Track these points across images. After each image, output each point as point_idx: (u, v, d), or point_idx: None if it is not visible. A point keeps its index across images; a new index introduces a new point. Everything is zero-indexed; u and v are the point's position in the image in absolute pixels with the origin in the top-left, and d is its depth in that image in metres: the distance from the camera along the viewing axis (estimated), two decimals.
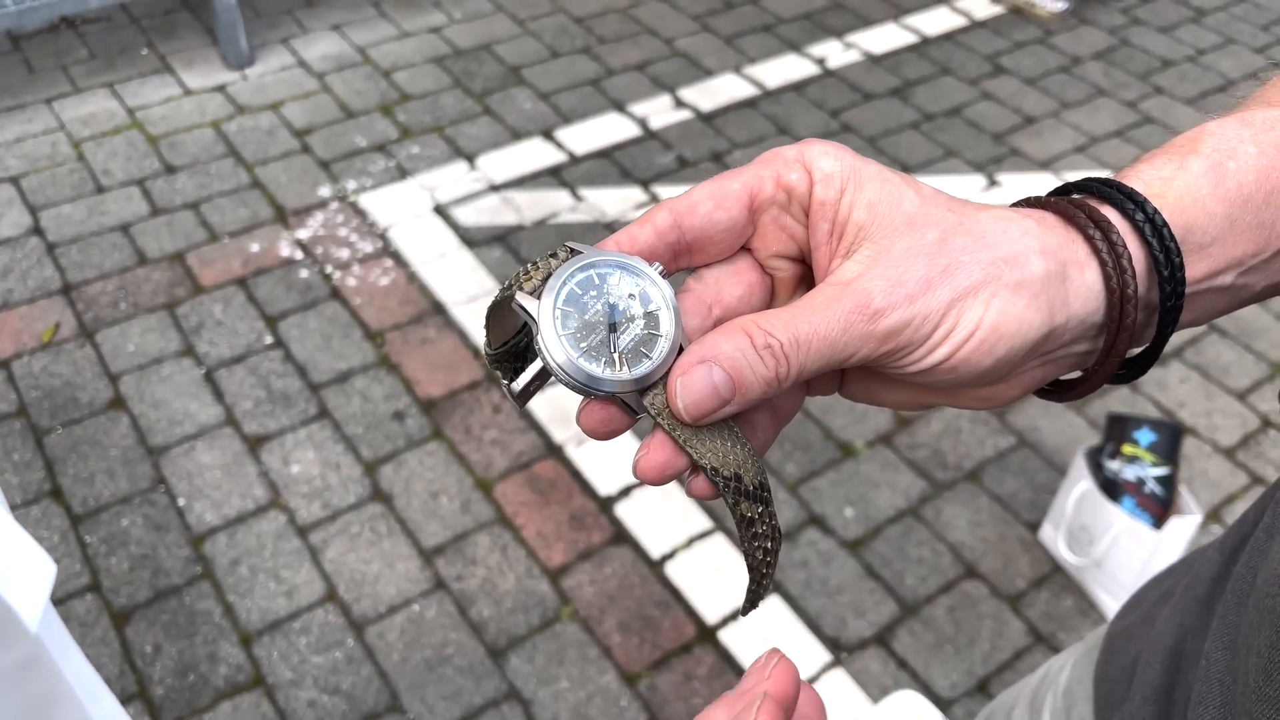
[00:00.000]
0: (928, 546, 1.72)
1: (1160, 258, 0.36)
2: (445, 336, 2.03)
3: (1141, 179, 0.38)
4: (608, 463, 1.81)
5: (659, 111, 2.63)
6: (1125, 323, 0.36)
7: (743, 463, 0.37)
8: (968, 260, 0.35)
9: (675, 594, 1.64)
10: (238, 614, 1.59)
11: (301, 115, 2.57)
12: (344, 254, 2.20)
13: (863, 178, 0.37)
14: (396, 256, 2.20)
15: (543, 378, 0.40)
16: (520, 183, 2.39)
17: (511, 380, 0.40)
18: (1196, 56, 2.93)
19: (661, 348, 0.36)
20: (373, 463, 1.81)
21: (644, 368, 0.36)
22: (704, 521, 1.73)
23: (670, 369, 0.36)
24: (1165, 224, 0.36)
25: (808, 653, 1.58)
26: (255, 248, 2.20)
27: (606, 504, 1.76)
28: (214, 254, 2.18)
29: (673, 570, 1.67)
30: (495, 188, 2.38)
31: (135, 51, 2.76)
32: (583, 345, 0.36)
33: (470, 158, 2.46)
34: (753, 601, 0.40)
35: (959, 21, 3.04)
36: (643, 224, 0.38)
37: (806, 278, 0.40)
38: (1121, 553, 1.57)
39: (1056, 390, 0.40)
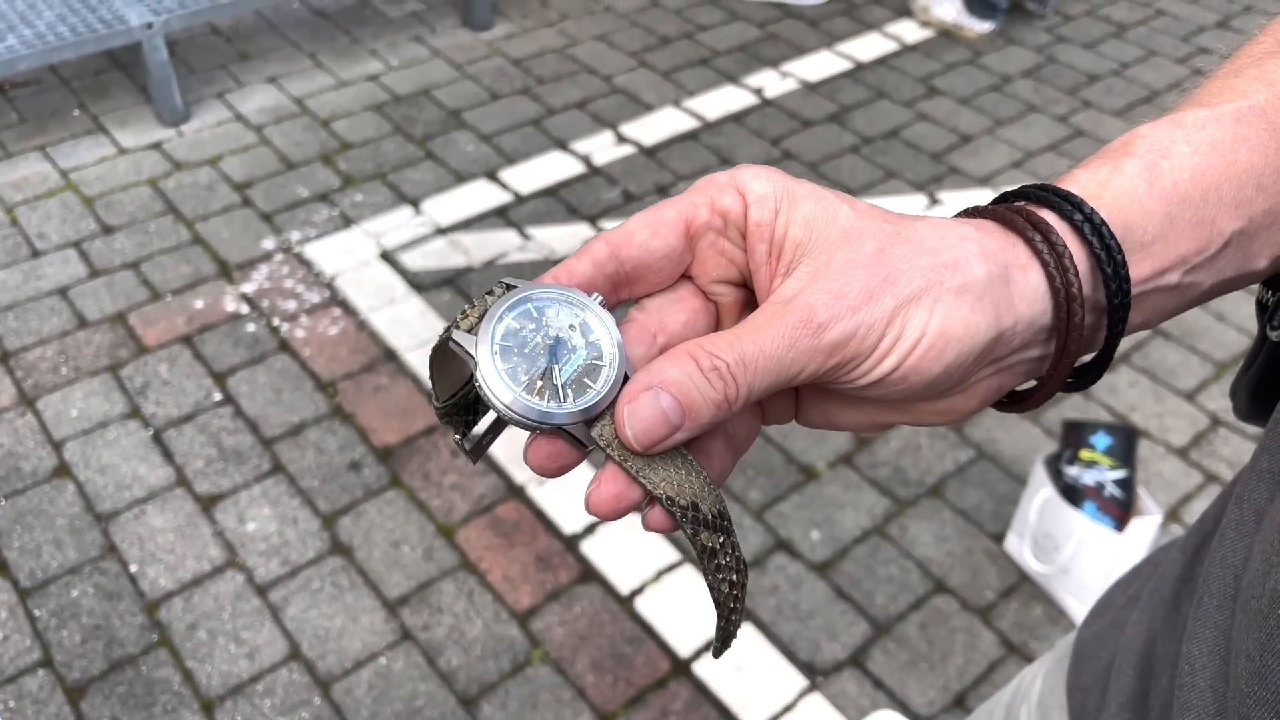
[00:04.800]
0: (895, 564, 1.72)
1: (1102, 256, 0.36)
2: (398, 383, 2.00)
3: (1077, 183, 0.38)
4: (571, 501, 1.79)
5: (601, 148, 2.64)
6: (1074, 322, 0.36)
7: (699, 491, 0.36)
8: (907, 268, 0.34)
9: (647, 629, 1.62)
10: (198, 680, 1.55)
11: (241, 169, 2.54)
12: (291, 305, 2.17)
13: (796, 196, 0.36)
14: (345, 305, 2.17)
15: (495, 431, 0.39)
16: (466, 225, 2.38)
17: (464, 435, 0.39)
18: (1121, 70, 3.01)
19: (606, 377, 0.35)
20: (331, 515, 1.77)
21: (589, 398, 0.35)
22: (672, 554, 1.72)
23: (616, 398, 0.35)
24: (1104, 223, 0.36)
25: (783, 679, 1.57)
26: (199, 304, 2.16)
27: (572, 542, 1.73)
28: (157, 313, 2.14)
29: (643, 605, 1.65)
30: (441, 231, 2.37)
31: (67, 113, 2.72)
32: (524, 379, 0.35)
33: (415, 202, 2.45)
34: (724, 641, 0.39)
35: (891, 46, 3.10)
36: (580, 257, 0.37)
37: (750, 302, 0.39)
38: (1086, 558, 1.58)
39: (1014, 401, 0.40)
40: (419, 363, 2.04)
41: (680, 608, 1.65)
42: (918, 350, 0.34)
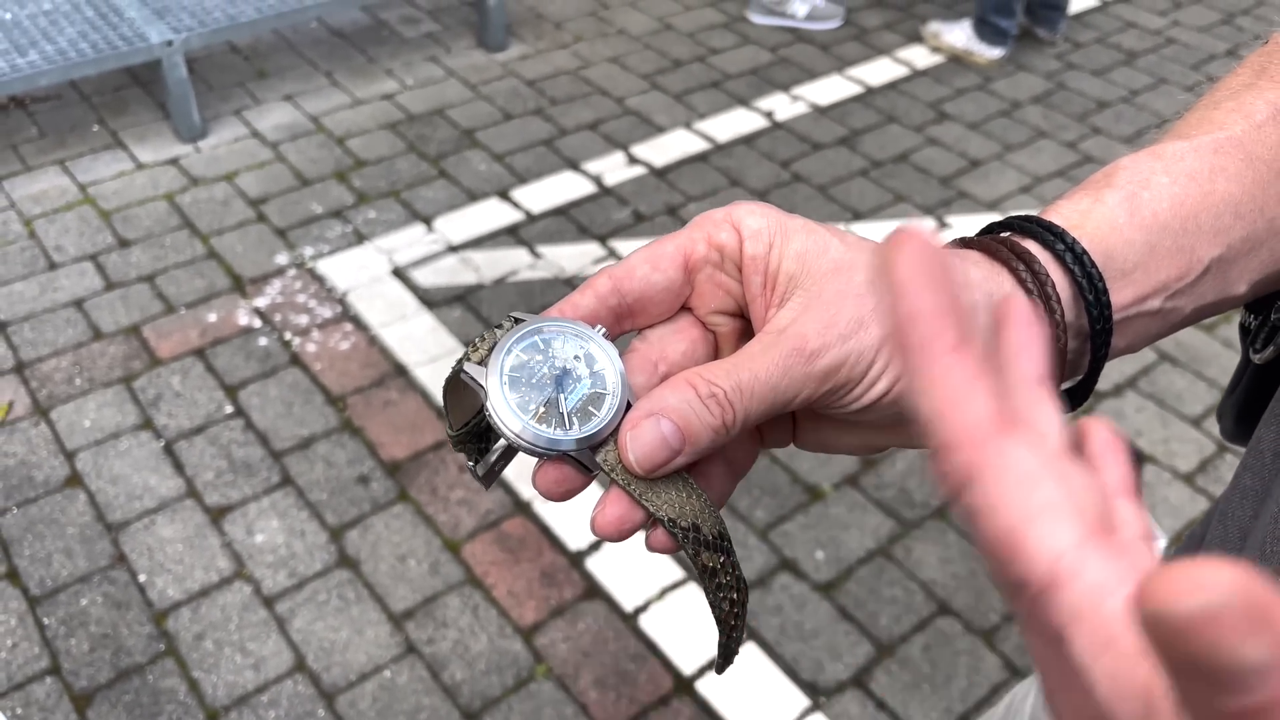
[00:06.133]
0: (900, 586, 1.73)
1: (1083, 283, 0.37)
2: (408, 398, 2.02)
3: (1061, 214, 0.39)
4: (577, 517, 1.80)
5: (613, 168, 2.66)
6: (1056, 347, 0.37)
7: (699, 513, 0.37)
8: None
9: (650, 646, 1.63)
10: (203, 690, 1.56)
11: (256, 185, 2.57)
12: (303, 320, 2.19)
13: (789, 231, 0.38)
14: (356, 320, 2.19)
15: (506, 458, 0.40)
16: (478, 243, 2.41)
17: (476, 462, 0.41)
18: (1130, 97, 3.03)
19: (609, 405, 0.37)
20: (338, 528, 1.78)
21: (593, 425, 0.37)
22: (676, 572, 1.73)
23: (620, 425, 0.37)
24: (1085, 251, 0.37)
25: (786, 698, 1.57)
26: (213, 318, 2.18)
27: (577, 559, 1.74)
28: (170, 326, 2.16)
29: (647, 622, 1.66)
30: (453, 248, 2.39)
31: (86, 128, 2.76)
32: (531, 408, 0.37)
33: (427, 220, 2.47)
34: (725, 657, 0.40)
35: (901, 71, 3.12)
36: (584, 291, 0.39)
37: (746, 331, 0.41)
38: None
39: None
40: (429, 378, 2.06)
41: (684, 626, 1.65)
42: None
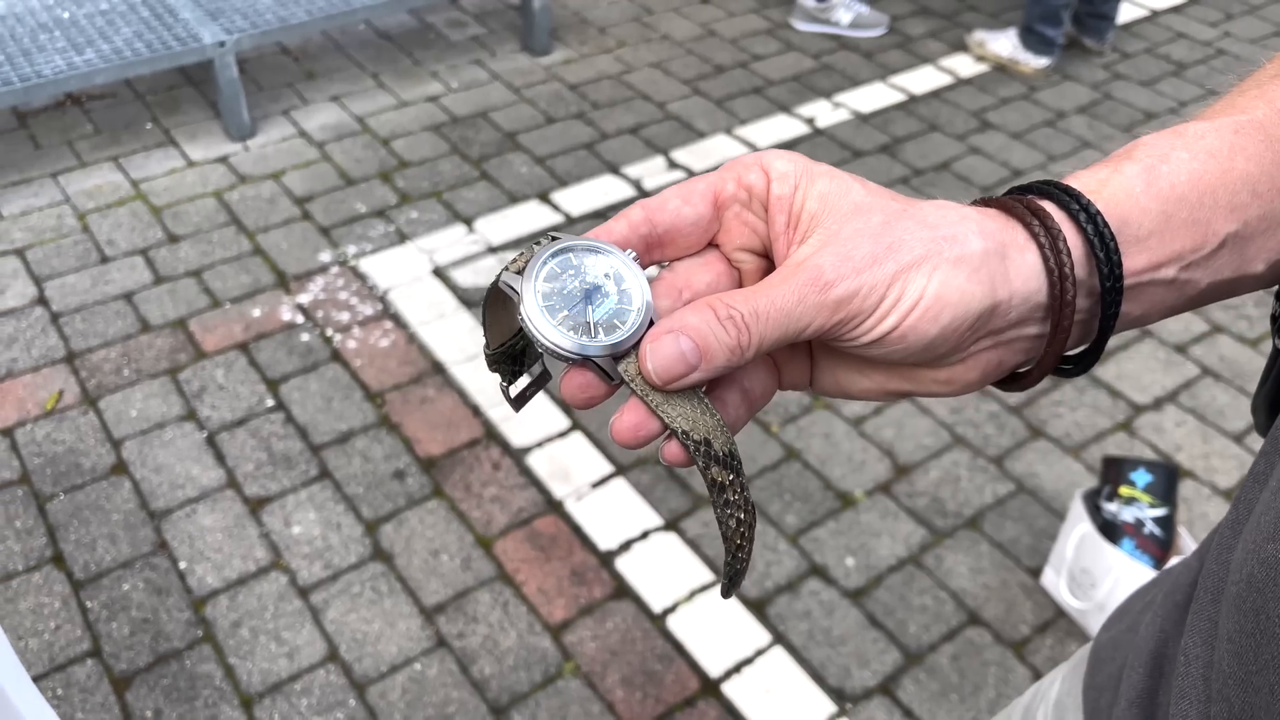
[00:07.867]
0: (930, 594, 1.72)
1: (1095, 242, 0.38)
2: (445, 396, 2.04)
3: (1079, 181, 0.41)
4: (608, 517, 1.82)
5: (652, 173, 2.68)
6: (1066, 299, 0.38)
7: (712, 429, 0.40)
8: (910, 239, 0.38)
9: (678, 647, 1.64)
10: (239, 676, 1.59)
11: (302, 183, 2.62)
12: (344, 317, 2.22)
13: (814, 174, 0.41)
14: (396, 318, 2.22)
15: (539, 383, 0.44)
16: (517, 244, 2.43)
17: (510, 383, 0.44)
18: (1178, 108, 2.99)
19: (634, 320, 0.40)
20: (373, 522, 1.81)
21: (617, 335, 0.39)
22: (705, 574, 1.73)
23: (642, 338, 0.39)
24: (1099, 213, 0.39)
25: (812, 704, 1.57)
26: (257, 313, 2.23)
27: (607, 559, 1.76)
28: (216, 320, 2.21)
29: (674, 624, 1.67)
30: (493, 249, 2.42)
31: (140, 126, 2.82)
32: (561, 314, 0.39)
33: (468, 221, 2.50)
34: (731, 579, 0.42)
35: (945, 80, 3.11)
36: (618, 219, 0.42)
37: (769, 270, 0.43)
38: (1123, 595, 1.56)
39: (1013, 380, 0.43)
40: (466, 376, 2.09)
41: (712, 628, 1.66)
42: (915, 311, 0.37)
